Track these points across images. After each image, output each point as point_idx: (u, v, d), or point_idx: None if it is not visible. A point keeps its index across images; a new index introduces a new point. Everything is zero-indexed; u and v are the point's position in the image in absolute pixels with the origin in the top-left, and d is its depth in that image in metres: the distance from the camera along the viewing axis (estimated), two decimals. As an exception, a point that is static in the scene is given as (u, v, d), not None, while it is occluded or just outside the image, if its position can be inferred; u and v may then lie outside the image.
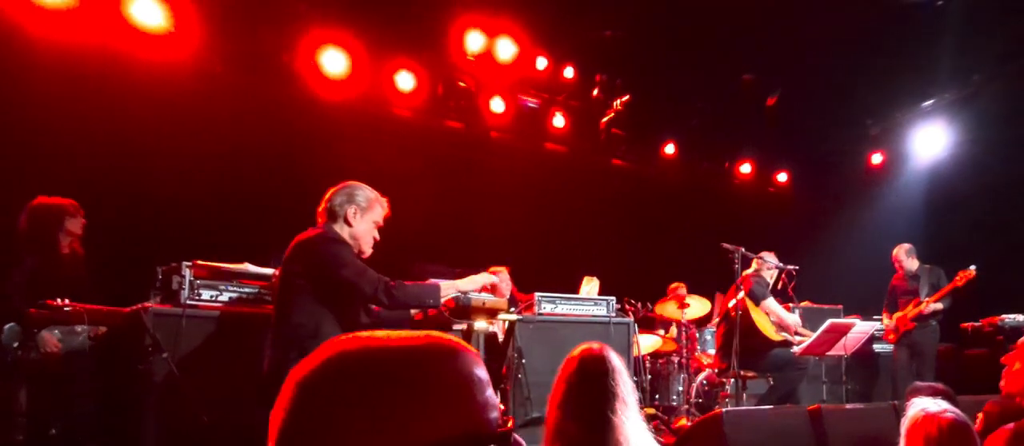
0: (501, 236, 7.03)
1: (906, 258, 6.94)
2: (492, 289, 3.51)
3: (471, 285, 3.42)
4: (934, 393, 2.75)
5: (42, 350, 3.85)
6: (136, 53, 5.78)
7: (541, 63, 7.75)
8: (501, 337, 4.60)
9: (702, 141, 9.24)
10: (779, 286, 6.02)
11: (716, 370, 6.22)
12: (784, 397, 5.60)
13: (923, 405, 2.30)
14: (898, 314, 6.83)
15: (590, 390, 2.10)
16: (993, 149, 8.02)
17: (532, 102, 8.20)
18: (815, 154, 9.68)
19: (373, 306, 3.26)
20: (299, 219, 3.35)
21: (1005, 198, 7.90)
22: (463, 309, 3.42)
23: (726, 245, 5.46)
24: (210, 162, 5.82)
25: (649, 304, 6.70)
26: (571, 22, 7.38)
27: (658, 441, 2.20)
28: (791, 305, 6.13)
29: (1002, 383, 3.00)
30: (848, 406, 4.96)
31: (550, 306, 5.11)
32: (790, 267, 5.89)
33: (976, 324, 6.80)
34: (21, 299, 3.94)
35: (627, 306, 6.11)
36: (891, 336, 6.87)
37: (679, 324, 6.80)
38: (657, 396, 6.77)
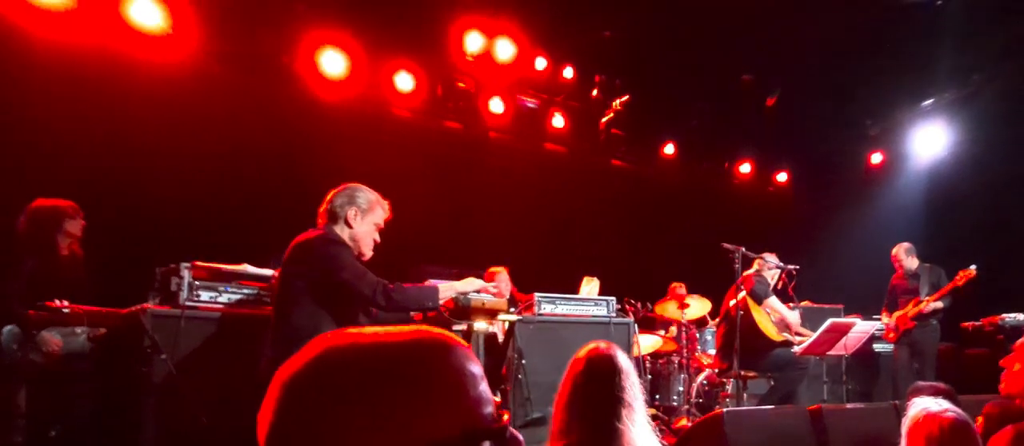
0: (501, 236, 7.03)
1: (906, 257, 6.93)
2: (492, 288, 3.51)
3: (469, 286, 3.42)
4: (936, 392, 2.74)
5: (43, 350, 3.84)
6: (135, 54, 5.77)
7: (540, 63, 7.75)
8: (501, 338, 4.60)
9: (702, 141, 9.24)
10: (779, 286, 6.02)
11: (716, 370, 6.21)
12: (785, 397, 5.59)
13: (924, 404, 2.29)
14: (898, 313, 6.82)
15: (596, 392, 2.06)
16: (993, 148, 8.02)
17: (531, 102, 8.20)
18: (815, 154, 9.68)
19: (372, 308, 3.25)
20: (298, 220, 3.34)
21: (1005, 197, 7.90)
22: (463, 309, 3.42)
23: (727, 245, 5.46)
24: (209, 163, 5.81)
25: (649, 304, 6.69)
26: (570, 22, 7.38)
27: (661, 442, 2.17)
28: (791, 305, 6.13)
29: (1001, 386, 2.98)
30: (849, 406, 4.95)
31: (550, 306, 5.10)
32: (791, 267, 5.89)
33: (977, 323, 6.79)
34: (20, 301, 3.93)
35: (627, 306, 6.10)
36: (891, 335, 6.86)
37: (679, 324, 6.79)
38: (657, 396, 6.76)
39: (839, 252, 8.55)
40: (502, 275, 5.98)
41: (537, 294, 5.09)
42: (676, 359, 6.77)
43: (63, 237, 4.29)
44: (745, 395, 5.64)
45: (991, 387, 3.22)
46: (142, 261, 4.26)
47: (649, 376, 6.58)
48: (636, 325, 5.64)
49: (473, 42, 7.21)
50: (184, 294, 3.88)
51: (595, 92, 8.38)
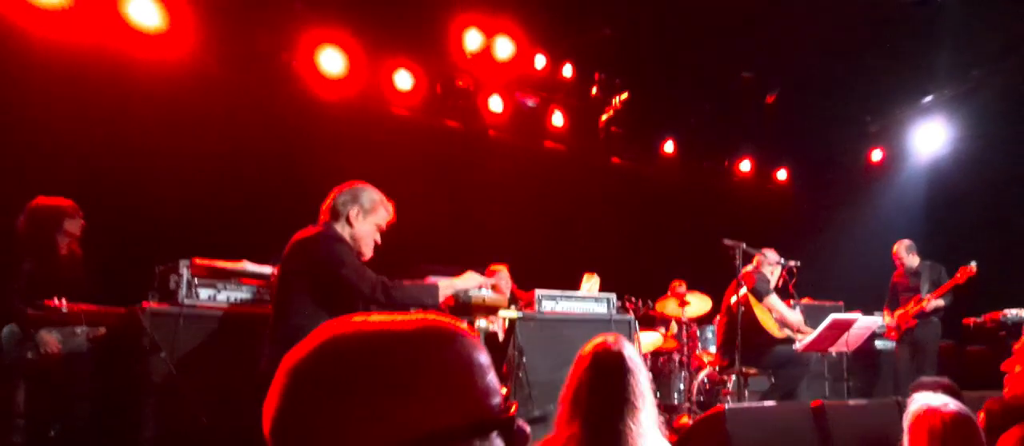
0: (500, 234, 7.02)
1: (907, 255, 6.92)
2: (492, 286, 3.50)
3: (469, 283, 3.40)
4: (938, 387, 2.73)
5: (42, 350, 3.83)
6: (133, 53, 5.76)
7: (540, 62, 7.73)
8: (501, 335, 4.59)
9: (701, 139, 9.22)
10: (780, 283, 6.00)
11: (717, 368, 6.20)
12: (786, 395, 5.58)
13: (925, 399, 2.28)
14: (899, 311, 6.81)
15: (601, 390, 1.96)
16: (993, 144, 8.01)
17: (531, 101, 8.18)
18: (815, 151, 9.66)
19: (372, 307, 3.24)
20: (298, 219, 3.32)
21: (1006, 193, 7.89)
22: (463, 307, 3.41)
23: (727, 241, 5.44)
24: (208, 162, 5.80)
25: (649, 302, 6.68)
26: (569, 21, 7.37)
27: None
28: (792, 302, 6.12)
29: (1006, 390, 2.95)
30: (851, 402, 4.93)
31: (551, 304, 5.09)
32: (792, 263, 5.86)
33: (978, 320, 6.78)
34: (19, 301, 3.92)
35: (627, 304, 6.09)
36: (893, 334, 6.85)
37: (680, 322, 6.78)
38: (658, 394, 6.75)
39: (839, 250, 8.54)
40: (502, 273, 5.95)
41: (538, 291, 5.08)
42: (677, 357, 6.76)
43: (63, 236, 4.29)
44: (746, 393, 5.63)
45: (993, 384, 3.21)
46: (141, 261, 4.25)
47: (650, 374, 6.56)
48: (637, 322, 5.63)
49: (472, 40, 7.19)
50: (182, 292, 3.87)
51: (594, 90, 8.36)
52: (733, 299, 5.56)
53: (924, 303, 6.55)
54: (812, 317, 6.15)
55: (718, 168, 9.77)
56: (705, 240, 6.06)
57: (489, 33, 7.22)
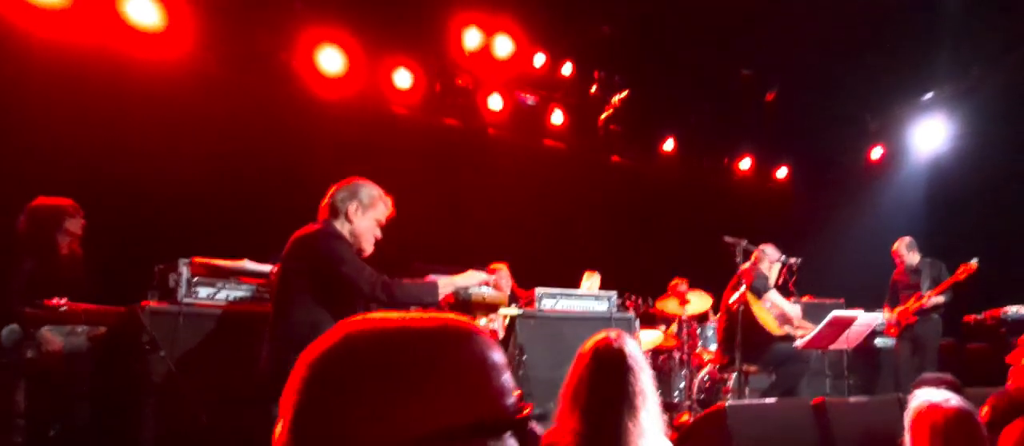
0: (500, 233, 7.01)
1: (907, 252, 6.91)
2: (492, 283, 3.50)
3: (469, 280, 3.40)
4: (941, 384, 2.72)
5: (44, 348, 3.82)
6: (132, 52, 5.76)
7: (539, 60, 7.73)
8: (502, 333, 4.59)
9: (701, 137, 9.21)
10: (780, 280, 5.99)
11: (718, 366, 6.19)
12: (787, 392, 5.56)
13: (927, 395, 2.28)
14: (899, 308, 6.80)
15: (601, 386, 1.93)
16: (993, 142, 8.00)
17: (530, 99, 8.18)
18: (814, 149, 9.66)
19: (372, 304, 3.23)
20: (297, 218, 3.32)
21: (1006, 191, 7.88)
22: (463, 304, 3.41)
23: (728, 238, 5.43)
24: (208, 161, 5.79)
25: (650, 300, 6.68)
26: (569, 19, 7.37)
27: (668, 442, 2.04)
28: (792, 299, 6.11)
29: (1010, 382, 2.96)
30: (852, 399, 4.92)
31: (551, 302, 5.08)
32: (792, 260, 5.85)
33: (978, 317, 6.77)
34: (20, 300, 3.92)
35: (628, 302, 6.09)
36: (893, 331, 6.84)
37: (680, 320, 6.78)
38: (659, 392, 6.73)
39: (840, 247, 8.53)
40: (502, 271, 5.95)
41: (538, 289, 5.08)
42: (677, 355, 6.76)
43: (63, 236, 4.28)
44: (747, 390, 5.62)
45: (994, 381, 3.21)
46: (141, 260, 4.25)
47: (653, 373, 6.55)
48: (637, 321, 5.62)
49: (471, 39, 7.19)
50: (182, 291, 3.87)
51: (594, 88, 8.35)
52: (732, 297, 5.55)
53: (924, 300, 6.55)
54: (813, 315, 6.14)
55: (718, 166, 9.76)
56: (705, 238, 6.06)
57: (488, 31, 7.22)
